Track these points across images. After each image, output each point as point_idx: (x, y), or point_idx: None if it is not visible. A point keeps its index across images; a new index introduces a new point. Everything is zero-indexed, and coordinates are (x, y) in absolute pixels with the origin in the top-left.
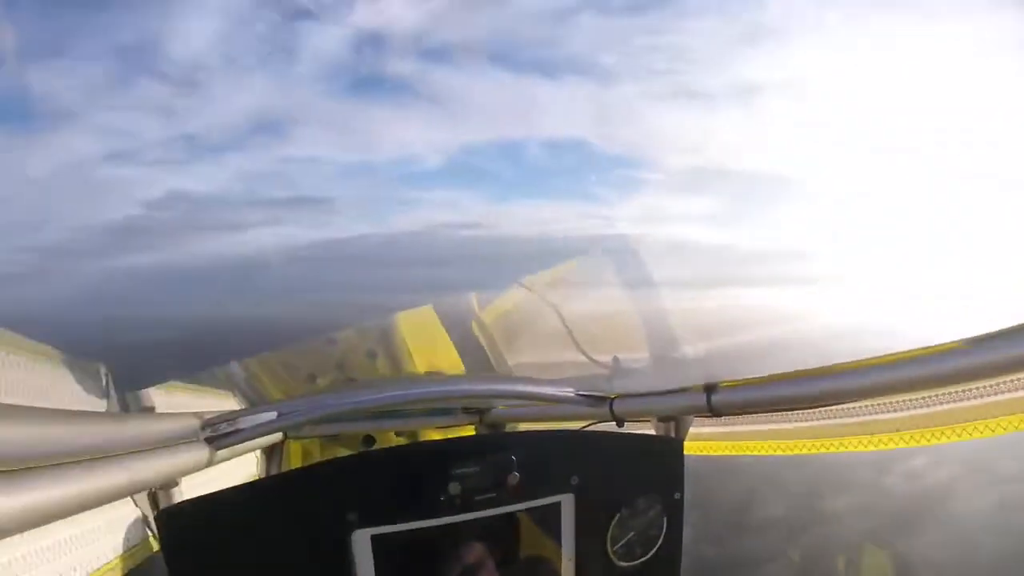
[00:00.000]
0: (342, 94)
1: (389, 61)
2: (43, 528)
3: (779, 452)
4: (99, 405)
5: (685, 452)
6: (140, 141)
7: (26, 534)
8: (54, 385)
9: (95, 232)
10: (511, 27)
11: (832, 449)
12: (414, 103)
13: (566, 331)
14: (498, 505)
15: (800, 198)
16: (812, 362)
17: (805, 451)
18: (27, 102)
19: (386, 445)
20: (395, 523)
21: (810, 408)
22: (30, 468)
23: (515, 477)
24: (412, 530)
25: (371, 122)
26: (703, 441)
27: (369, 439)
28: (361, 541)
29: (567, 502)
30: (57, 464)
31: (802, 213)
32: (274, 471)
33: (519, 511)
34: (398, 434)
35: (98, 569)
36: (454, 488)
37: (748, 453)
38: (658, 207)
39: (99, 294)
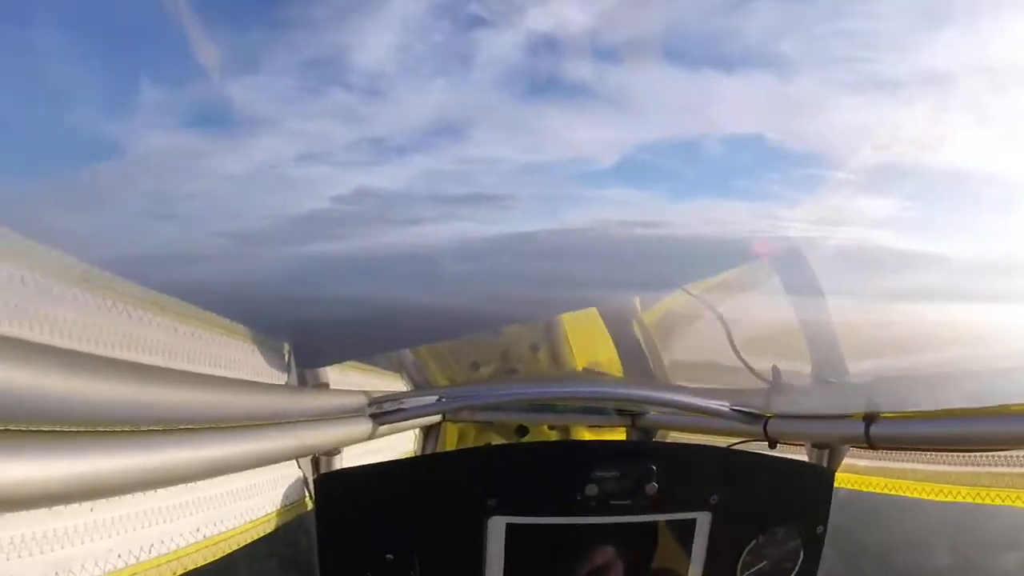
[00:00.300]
0: (517, 96)
1: (562, 62)
2: (219, 478)
3: (942, 498)
4: (280, 378)
5: (837, 484)
6: (329, 144)
7: (205, 482)
8: (243, 359)
9: (285, 222)
10: (683, 21)
11: (1007, 502)
12: (588, 102)
13: (727, 339)
14: (633, 513)
15: (1005, 200)
16: (994, 399)
17: (975, 500)
18: (227, 110)
19: (538, 437)
20: (530, 515)
21: (987, 451)
22: (215, 428)
23: (653, 487)
24: (545, 524)
25: (546, 122)
26: (855, 474)
27: (522, 429)
28: (496, 528)
29: (703, 520)
30: (239, 426)
31: (1009, 218)
32: (430, 451)
33: (653, 522)
34: (551, 427)
35: (258, 518)
36: (591, 490)
37: (904, 494)
38: (841, 208)
39: (287, 278)
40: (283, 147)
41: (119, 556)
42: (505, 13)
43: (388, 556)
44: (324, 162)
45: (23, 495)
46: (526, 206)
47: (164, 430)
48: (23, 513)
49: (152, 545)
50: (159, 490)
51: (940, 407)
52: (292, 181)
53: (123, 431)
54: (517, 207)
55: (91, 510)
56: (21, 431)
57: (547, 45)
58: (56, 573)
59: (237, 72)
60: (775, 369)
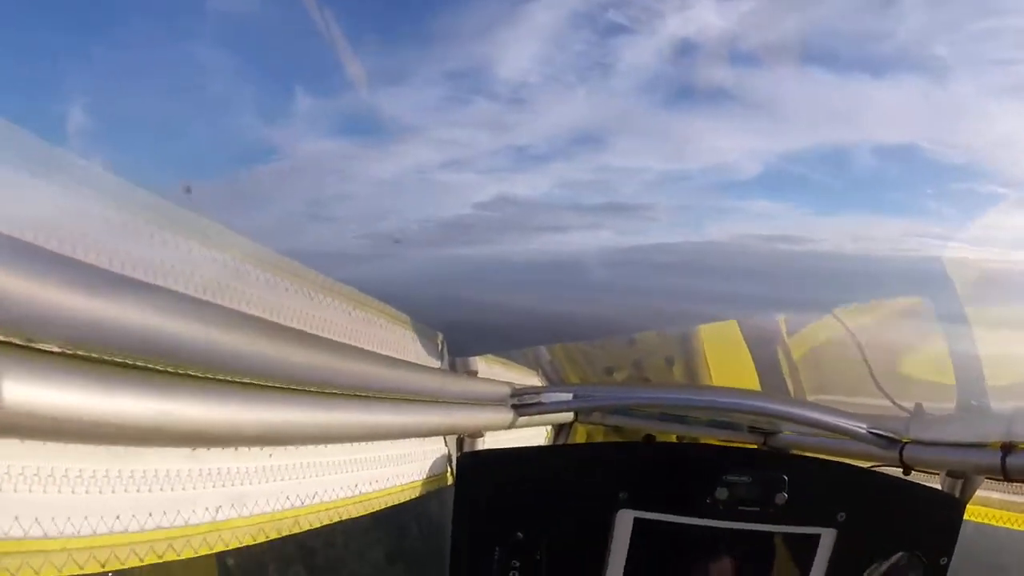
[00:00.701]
0: (658, 104)
1: (704, 69)
2: (377, 443)
3: None
4: (434, 364)
5: (967, 516)
6: (473, 151)
7: (365, 444)
8: (404, 343)
9: (431, 225)
10: (828, 23)
11: None
12: (731, 110)
13: (868, 364)
14: (760, 521)
15: None
16: None
17: None
18: (378, 120)
19: None
20: (658, 512)
21: None
22: (378, 398)
23: (783, 497)
24: (672, 523)
25: (687, 131)
26: (988, 508)
27: (649, 438)
28: (624, 520)
29: (828, 536)
30: (399, 399)
31: None
32: None
33: (778, 533)
34: (679, 438)
35: (403, 484)
36: (721, 493)
37: None
38: (1004, 227)
39: (434, 276)
40: (429, 154)
41: (287, 498)
42: (645, 20)
43: (518, 534)
44: (468, 169)
45: (219, 434)
46: (666, 216)
47: (337, 394)
48: (209, 449)
49: (316, 493)
50: (328, 446)
51: None
52: (437, 187)
53: (304, 391)
54: (657, 217)
55: (270, 456)
56: (226, 380)
57: (688, 51)
58: (232, 504)
59: (386, 82)
60: (917, 396)
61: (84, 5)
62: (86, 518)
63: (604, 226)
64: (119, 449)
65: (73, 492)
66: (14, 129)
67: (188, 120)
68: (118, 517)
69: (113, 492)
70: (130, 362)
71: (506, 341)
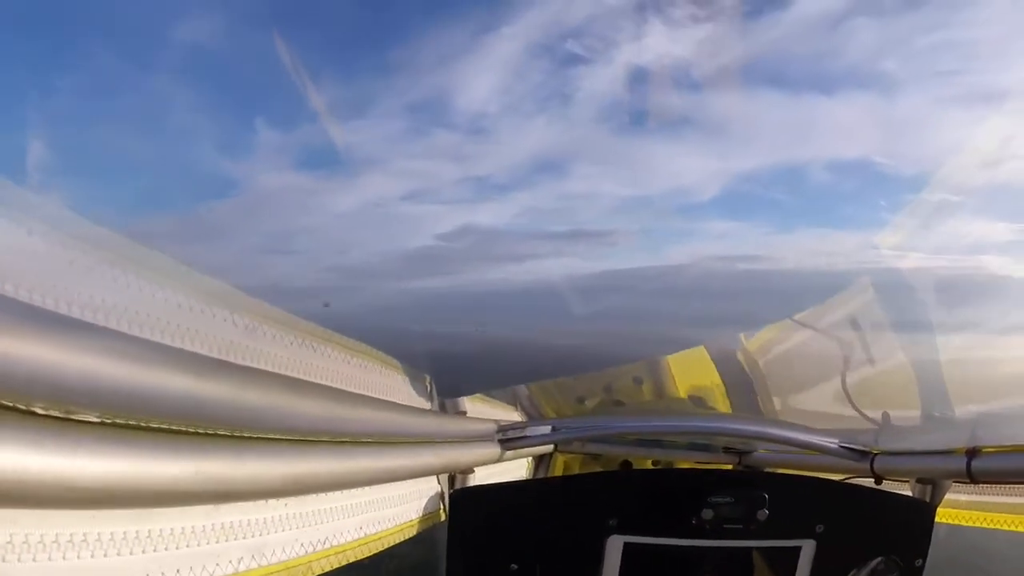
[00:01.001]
0: (617, 131)
1: (660, 95)
2: (365, 488)
3: None
4: (426, 405)
5: (939, 519)
6: (434, 182)
7: (368, 488)
8: (397, 388)
9: (392, 258)
10: (779, 44)
11: None
12: (687, 134)
13: (836, 377)
14: (744, 537)
15: None
16: None
17: None
18: (337, 152)
19: None
20: (647, 535)
21: None
22: (377, 443)
23: (764, 514)
24: (661, 545)
25: (646, 156)
26: (957, 509)
27: (626, 463)
28: (615, 546)
29: (808, 547)
30: (395, 443)
31: None
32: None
33: (760, 547)
34: (655, 463)
35: (399, 524)
36: (707, 514)
37: (1004, 528)
38: (957, 234)
39: (400, 309)
40: (390, 186)
41: (302, 545)
42: (602, 49)
43: (512, 566)
44: (429, 200)
45: (238, 490)
46: (628, 241)
47: (346, 441)
48: (228, 505)
49: (327, 538)
50: (336, 492)
51: None
52: (398, 219)
53: (316, 441)
54: (619, 242)
55: (285, 505)
56: (234, 436)
57: (643, 78)
58: (252, 555)
59: (347, 115)
60: (884, 407)
61: (39, 37)
62: None
63: (567, 253)
64: (137, 512)
65: (92, 556)
66: None
67: (146, 154)
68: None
69: (131, 553)
70: (136, 424)
71: (488, 380)
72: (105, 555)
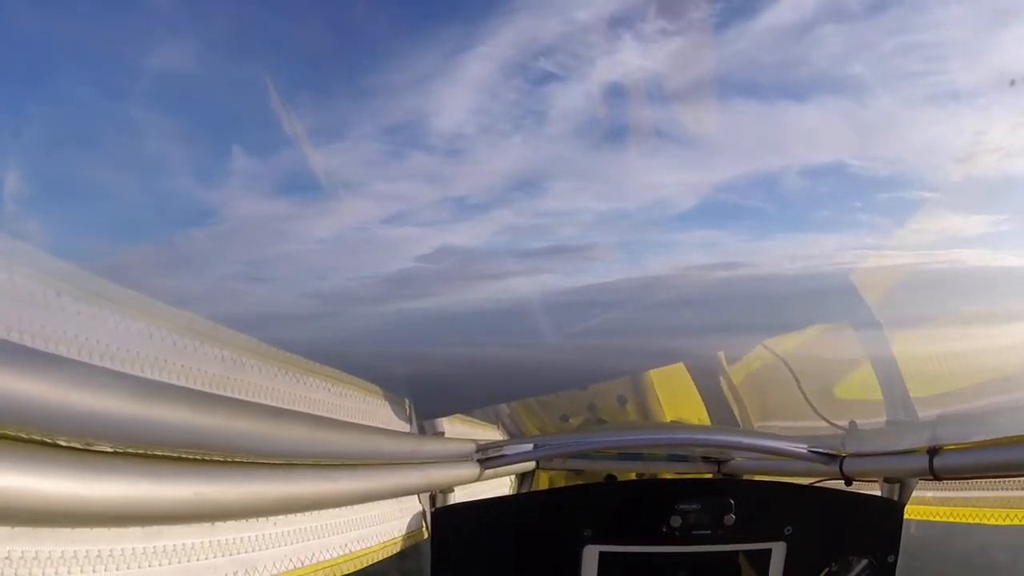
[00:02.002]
0: (593, 146)
1: (634, 109)
2: (349, 507)
3: (1003, 522)
4: (406, 428)
5: (907, 516)
6: (413, 204)
7: (353, 507)
8: (377, 412)
9: (372, 282)
10: (748, 55)
11: None
12: (663, 146)
13: (805, 387)
14: (713, 542)
15: None
16: None
17: None
18: (315, 177)
19: None
20: (621, 544)
21: None
22: (361, 464)
23: (731, 519)
24: (634, 553)
25: (622, 170)
26: (925, 506)
27: (611, 478)
28: (590, 555)
29: (778, 550)
30: (378, 464)
31: None
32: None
33: (731, 551)
34: (639, 475)
35: (382, 542)
36: (675, 521)
37: (968, 521)
38: (932, 230)
39: (382, 333)
40: (368, 210)
41: (291, 561)
42: (575, 66)
43: None
44: (407, 223)
45: (233, 510)
46: (607, 255)
47: (330, 464)
48: (225, 523)
49: (314, 554)
50: (322, 511)
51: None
52: (377, 242)
53: (302, 464)
54: (598, 256)
55: (274, 524)
56: (228, 461)
57: (617, 93)
58: (245, 570)
59: (322, 140)
60: (850, 411)
61: (8, 65)
62: None
63: (546, 269)
64: (144, 530)
65: (107, 570)
66: None
67: (121, 184)
68: None
69: (139, 567)
70: (139, 452)
71: (468, 401)
72: (117, 569)
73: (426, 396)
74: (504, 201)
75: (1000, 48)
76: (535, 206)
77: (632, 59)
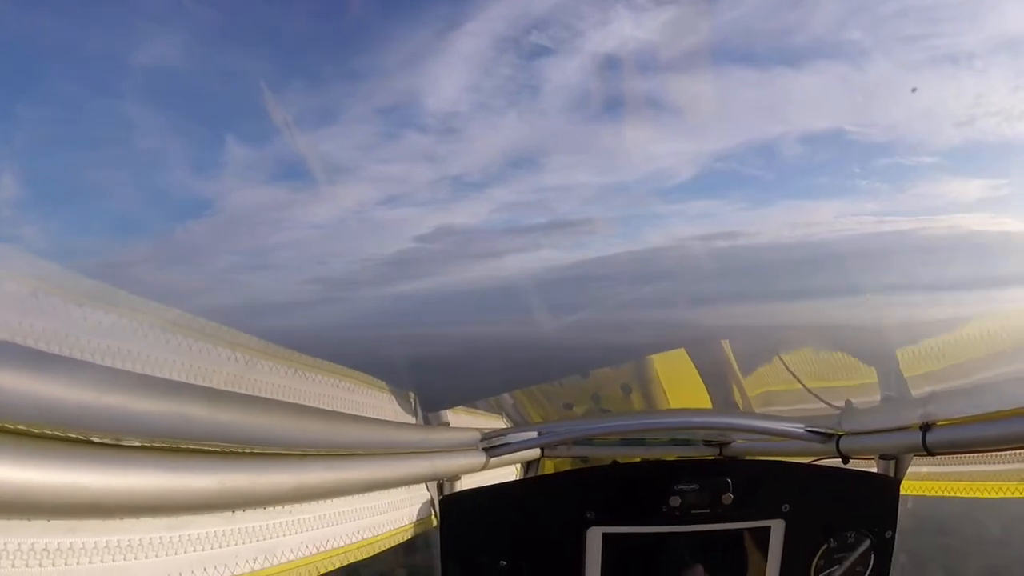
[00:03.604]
0: (589, 120)
1: (629, 80)
2: (362, 495)
3: (995, 495)
4: (411, 420)
5: (904, 492)
6: (410, 186)
7: (352, 498)
8: (384, 405)
9: (372, 264)
10: (744, 23)
11: None
12: (660, 117)
13: (799, 369)
14: (712, 521)
15: None
16: None
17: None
18: (309, 162)
19: None
20: (623, 525)
21: None
22: (370, 454)
23: (729, 498)
24: (636, 533)
25: (620, 142)
26: (922, 481)
27: (616, 464)
28: (594, 537)
29: (777, 527)
30: (387, 454)
31: None
32: None
33: (730, 530)
34: (643, 460)
35: (393, 529)
36: (675, 501)
37: (964, 495)
38: (932, 194)
39: (381, 315)
40: (364, 192)
41: (307, 547)
42: (568, 39)
43: (501, 562)
44: (406, 203)
45: (253, 499)
46: (606, 228)
47: (342, 455)
48: (244, 512)
49: (329, 540)
50: (336, 499)
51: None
52: (376, 224)
53: (318, 455)
54: (597, 230)
55: (291, 512)
56: (248, 453)
57: (612, 65)
58: (265, 556)
59: (316, 125)
60: (846, 390)
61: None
62: None
63: (545, 244)
64: (171, 520)
65: (136, 558)
66: None
67: (117, 180)
68: (176, 575)
69: (167, 555)
70: (160, 444)
71: (472, 391)
72: (146, 557)
73: (430, 388)
74: (501, 178)
75: (998, 11)
76: (532, 182)
77: (626, 29)
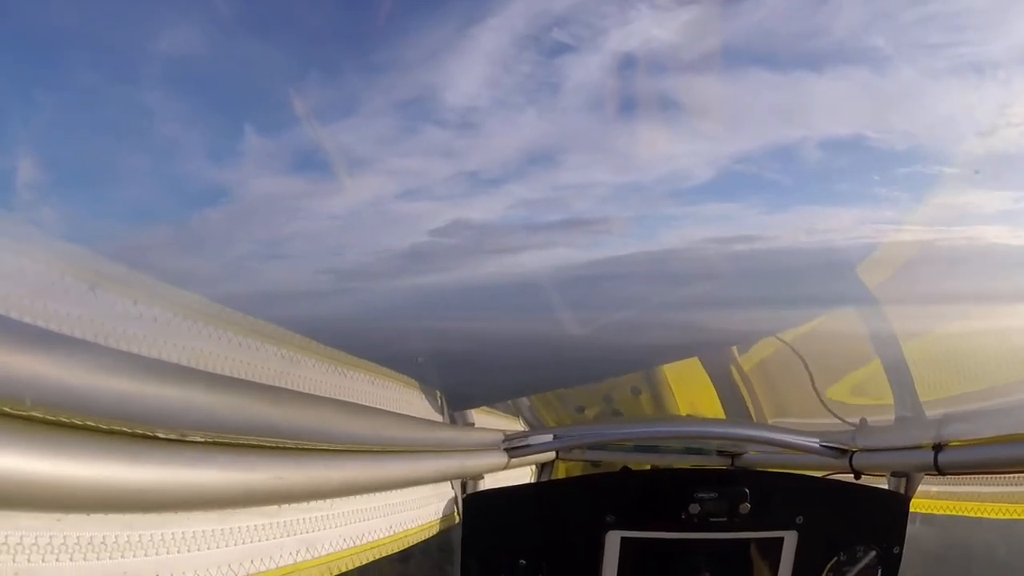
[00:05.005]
0: (608, 118)
1: (649, 79)
2: (392, 491)
3: (1008, 516)
4: (439, 419)
5: (913, 509)
6: (427, 180)
7: (384, 494)
8: (414, 403)
9: (387, 257)
10: (767, 25)
11: None
12: (679, 117)
13: (818, 383)
14: (729, 530)
15: None
16: None
17: None
18: (328, 154)
19: None
20: (642, 530)
21: None
22: (395, 451)
23: (746, 507)
24: (654, 539)
25: (638, 142)
26: (931, 499)
27: (626, 469)
28: (613, 540)
29: (790, 538)
30: (411, 451)
31: None
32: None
33: (746, 539)
34: (653, 467)
35: (420, 525)
36: (694, 508)
37: (972, 515)
38: (952, 205)
39: (396, 309)
40: (381, 185)
41: (344, 540)
42: (589, 37)
43: (521, 562)
44: (422, 197)
45: (298, 493)
46: (622, 228)
47: (376, 451)
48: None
49: (364, 535)
50: (369, 495)
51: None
52: (391, 217)
53: (353, 451)
54: (613, 230)
55: (331, 506)
56: (299, 448)
57: (632, 64)
58: (307, 548)
59: (335, 116)
60: (861, 408)
61: (18, 50)
62: (196, 572)
63: (561, 243)
64: (223, 513)
65: (189, 551)
66: None
67: (134, 167)
68: (226, 567)
69: (217, 547)
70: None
71: (494, 392)
72: (199, 550)
73: (456, 388)
74: (518, 175)
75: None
76: (549, 179)
77: (647, 29)
